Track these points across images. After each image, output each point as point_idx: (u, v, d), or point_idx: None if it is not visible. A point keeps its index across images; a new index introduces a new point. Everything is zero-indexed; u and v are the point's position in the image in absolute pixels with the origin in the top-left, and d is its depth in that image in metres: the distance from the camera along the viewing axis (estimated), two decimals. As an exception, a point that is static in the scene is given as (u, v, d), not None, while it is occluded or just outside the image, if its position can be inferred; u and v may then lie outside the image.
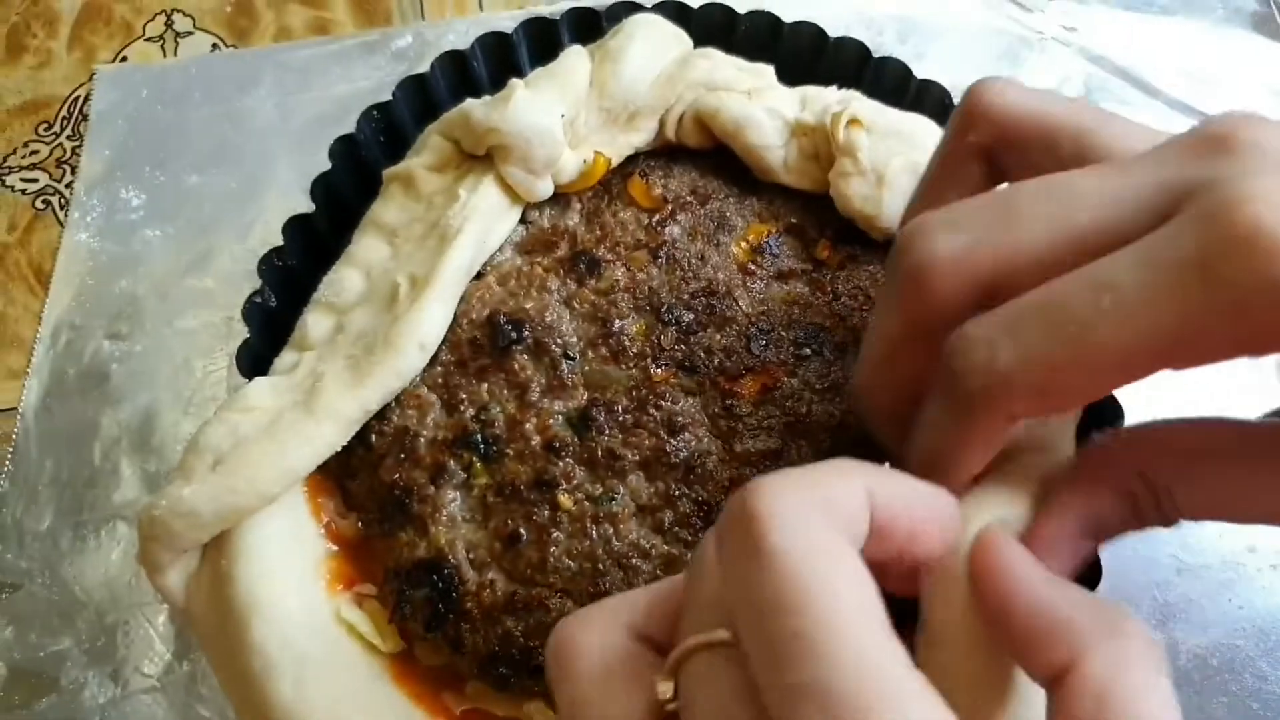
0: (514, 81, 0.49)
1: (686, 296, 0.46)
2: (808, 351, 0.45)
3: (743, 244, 0.49)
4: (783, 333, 0.46)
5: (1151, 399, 0.41)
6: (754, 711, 0.24)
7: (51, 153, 0.75)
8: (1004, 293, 0.29)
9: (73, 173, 0.73)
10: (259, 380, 0.46)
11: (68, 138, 0.75)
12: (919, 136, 0.50)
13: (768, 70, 0.54)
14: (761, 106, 0.51)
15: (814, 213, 0.50)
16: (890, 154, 0.48)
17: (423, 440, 0.45)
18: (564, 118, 0.49)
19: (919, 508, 0.28)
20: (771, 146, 0.50)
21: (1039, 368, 0.28)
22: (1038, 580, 0.27)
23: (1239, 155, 0.28)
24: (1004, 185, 0.34)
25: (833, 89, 0.53)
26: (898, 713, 0.21)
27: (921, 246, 0.31)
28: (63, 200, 0.72)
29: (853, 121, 0.49)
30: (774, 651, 0.23)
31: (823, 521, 0.25)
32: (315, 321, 0.48)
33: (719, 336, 0.46)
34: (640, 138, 0.51)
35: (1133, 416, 0.46)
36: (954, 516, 0.30)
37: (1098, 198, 0.29)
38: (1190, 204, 0.27)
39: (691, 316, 0.46)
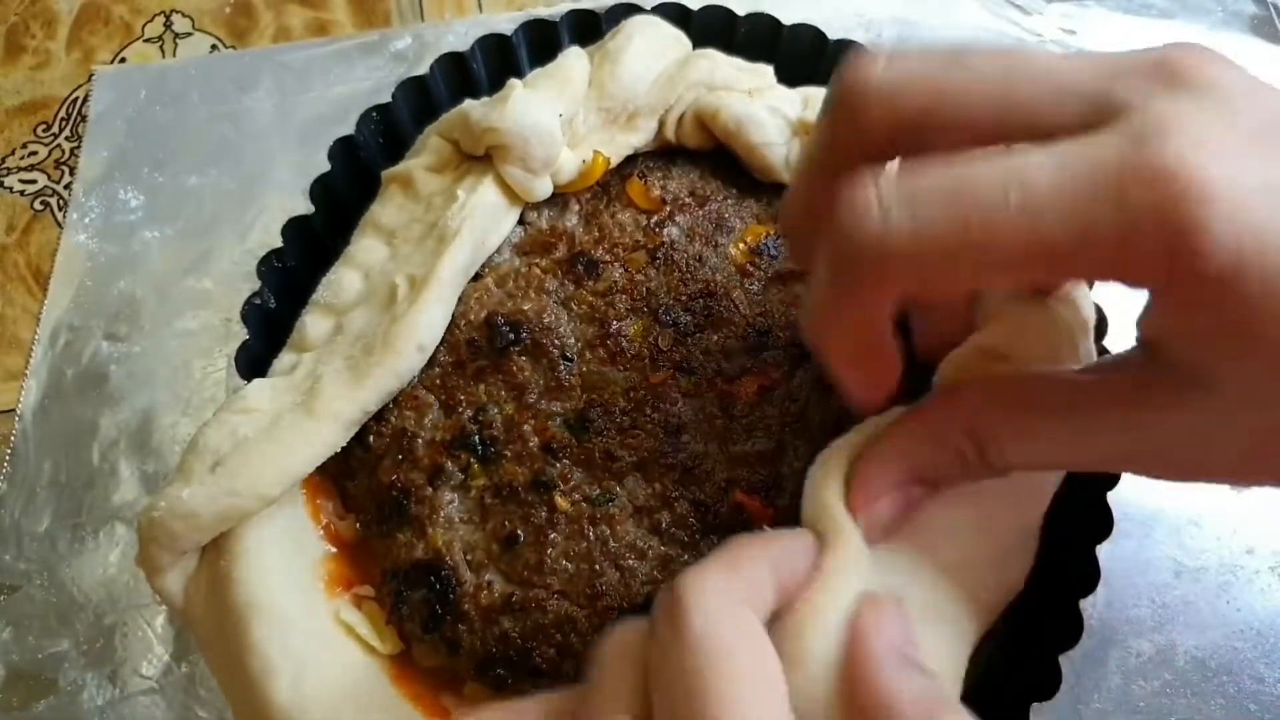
0: (512, 81, 0.49)
1: (685, 298, 0.46)
2: (805, 352, 0.45)
3: (741, 245, 0.49)
4: (780, 334, 0.46)
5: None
6: None
7: (50, 154, 0.74)
8: (927, 138, 0.29)
9: (71, 174, 0.73)
10: (258, 381, 0.46)
11: (66, 139, 0.75)
12: None
13: (767, 70, 0.54)
14: (763, 105, 0.51)
15: (812, 214, 0.50)
16: None
17: (421, 441, 0.45)
18: (562, 117, 0.49)
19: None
20: (773, 144, 0.50)
21: (929, 248, 0.27)
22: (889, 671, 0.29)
23: (1189, 89, 0.27)
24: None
25: (831, 91, 0.53)
26: None
27: (862, 70, 0.30)
28: (61, 201, 0.72)
29: None
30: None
31: (740, 605, 0.28)
32: (314, 322, 0.48)
33: (717, 338, 0.46)
34: (639, 138, 0.51)
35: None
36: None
37: (1044, 79, 0.29)
38: (1124, 121, 0.27)
39: (689, 318, 0.46)
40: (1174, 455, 0.31)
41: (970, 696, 0.35)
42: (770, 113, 0.50)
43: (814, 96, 0.52)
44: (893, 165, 0.29)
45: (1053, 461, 0.33)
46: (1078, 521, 0.43)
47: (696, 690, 0.26)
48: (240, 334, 0.51)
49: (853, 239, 0.28)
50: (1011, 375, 0.34)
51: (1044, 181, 0.26)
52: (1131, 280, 0.27)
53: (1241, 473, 0.31)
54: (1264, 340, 0.26)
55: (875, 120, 0.30)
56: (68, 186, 0.73)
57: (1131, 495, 0.48)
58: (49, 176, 0.73)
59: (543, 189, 0.49)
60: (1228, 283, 0.25)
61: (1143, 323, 0.31)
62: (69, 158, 0.74)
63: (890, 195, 0.28)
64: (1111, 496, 0.44)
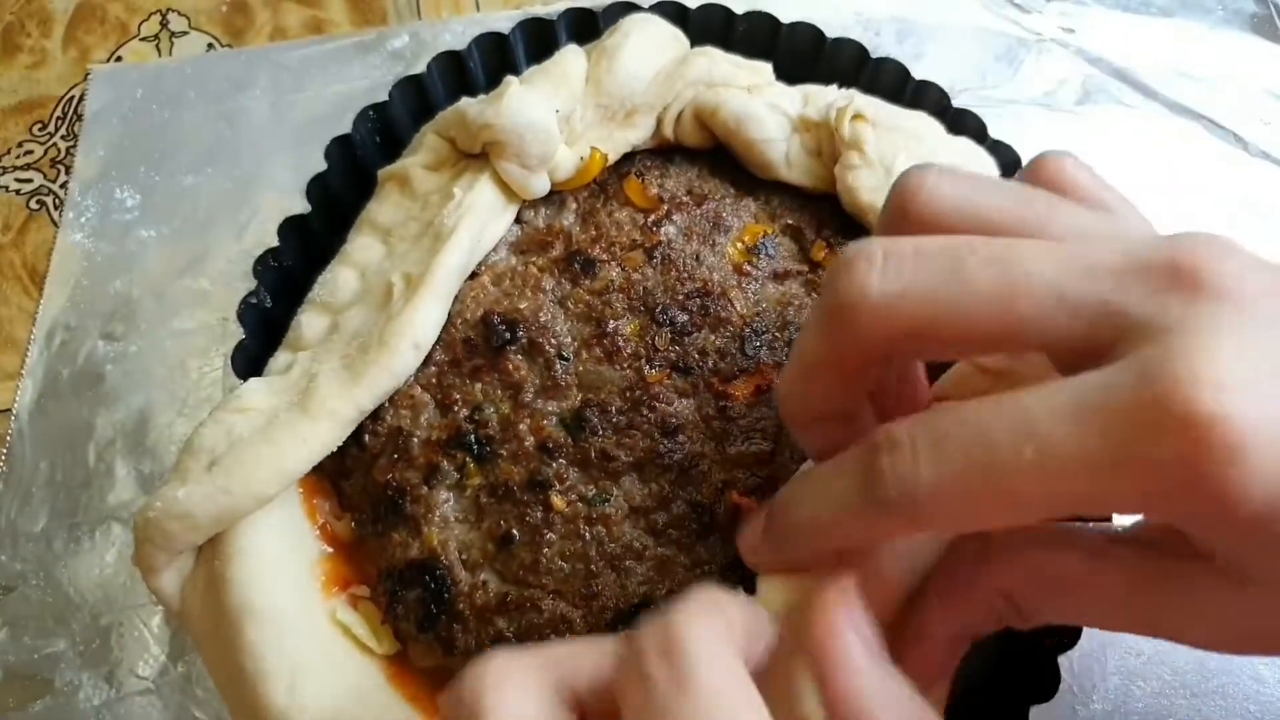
0: (508, 78, 0.49)
1: (681, 297, 0.46)
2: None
3: (738, 245, 0.49)
4: (777, 334, 0.46)
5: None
6: None
7: (46, 153, 0.74)
8: (925, 345, 0.29)
9: (67, 173, 0.73)
10: (254, 381, 0.46)
11: (62, 138, 0.75)
12: (922, 133, 0.50)
13: (766, 68, 0.54)
14: (763, 101, 0.51)
15: (810, 214, 0.50)
16: (896, 148, 0.48)
17: (416, 440, 0.44)
18: (559, 113, 0.48)
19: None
20: (773, 140, 0.50)
21: (955, 496, 0.27)
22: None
23: (1198, 299, 0.25)
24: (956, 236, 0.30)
25: (833, 88, 0.53)
26: None
27: (856, 280, 0.29)
28: (57, 200, 0.72)
29: (857, 116, 0.49)
30: None
31: (738, 660, 0.28)
32: (310, 321, 0.48)
33: (713, 338, 0.45)
34: (637, 134, 0.51)
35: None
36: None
37: (1045, 290, 0.27)
38: (1135, 346, 0.25)
39: (686, 317, 0.46)
40: (1207, 632, 0.30)
41: (968, 698, 0.35)
42: (770, 109, 0.50)
43: (814, 93, 0.52)
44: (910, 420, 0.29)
45: (1089, 624, 0.34)
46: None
47: None
48: (236, 333, 0.51)
49: (887, 483, 0.28)
50: (1042, 541, 0.32)
51: (1059, 435, 0.25)
52: (1158, 519, 0.27)
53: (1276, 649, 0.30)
54: None
55: (871, 334, 0.29)
56: (64, 185, 0.72)
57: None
58: (45, 175, 0.73)
59: (540, 186, 0.49)
60: (1263, 522, 0.24)
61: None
62: (65, 157, 0.74)
63: (918, 439, 0.27)
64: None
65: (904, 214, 0.30)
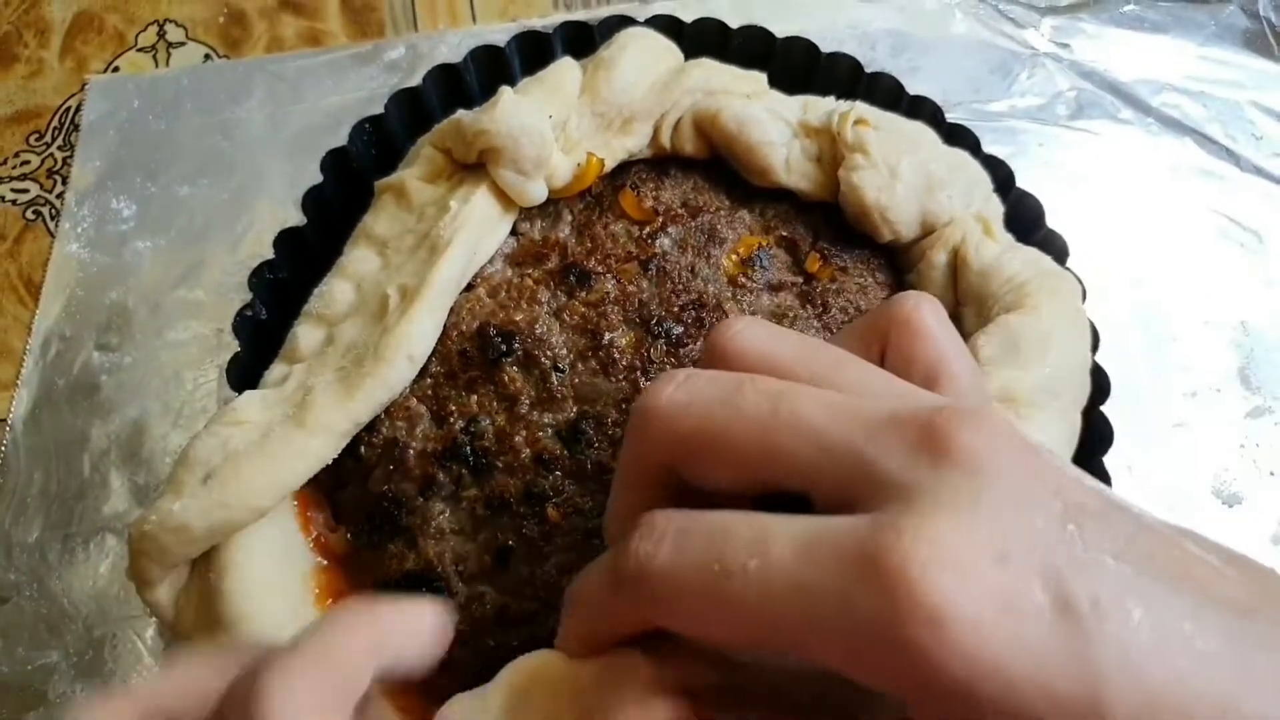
0: (503, 88, 0.49)
1: (676, 309, 0.46)
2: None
3: (733, 256, 0.49)
4: (773, 346, 0.46)
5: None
6: None
7: (43, 163, 0.74)
8: (699, 460, 0.30)
9: (64, 183, 0.73)
10: (249, 393, 0.46)
11: (59, 148, 0.75)
12: (921, 140, 0.51)
13: (762, 77, 0.54)
14: (763, 106, 0.51)
15: (805, 225, 0.50)
16: (899, 151, 0.49)
17: (412, 452, 0.44)
18: (552, 119, 0.49)
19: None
20: (775, 144, 0.50)
21: (681, 589, 0.27)
22: None
23: (944, 466, 0.26)
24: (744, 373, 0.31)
25: (830, 99, 0.53)
26: None
27: (657, 392, 0.31)
28: (53, 211, 0.72)
29: (860, 121, 0.49)
30: None
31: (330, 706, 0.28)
32: (305, 333, 0.48)
33: (709, 350, 0.46)
34: (634, 142, 0.51)
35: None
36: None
37: (806, 429, 0.28)
38: (871, 503, 0.26)
39: (681, 330, 0.46)
40: None
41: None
42: (771, 114, 0.51)
43: (812, 102, 0.52)
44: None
45: None
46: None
47: None
48: (231, 345, 0.51)
49: (627, 558, 0.28)
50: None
51: (784, 559, 0.26)
52: (864, 680, 0.25)
53: None
54: None
55: (658, 440, 0.30)
56: (60, 196, 0.72)
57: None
58: (41, 186, 0.73)
59: (536, 192, 0.49)
60: (961, 697, 0.24)
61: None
62: (61, 167, 0.74)
63: (669, 528, 0.28)
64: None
65: (716, 350, 0.32)
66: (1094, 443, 0.47)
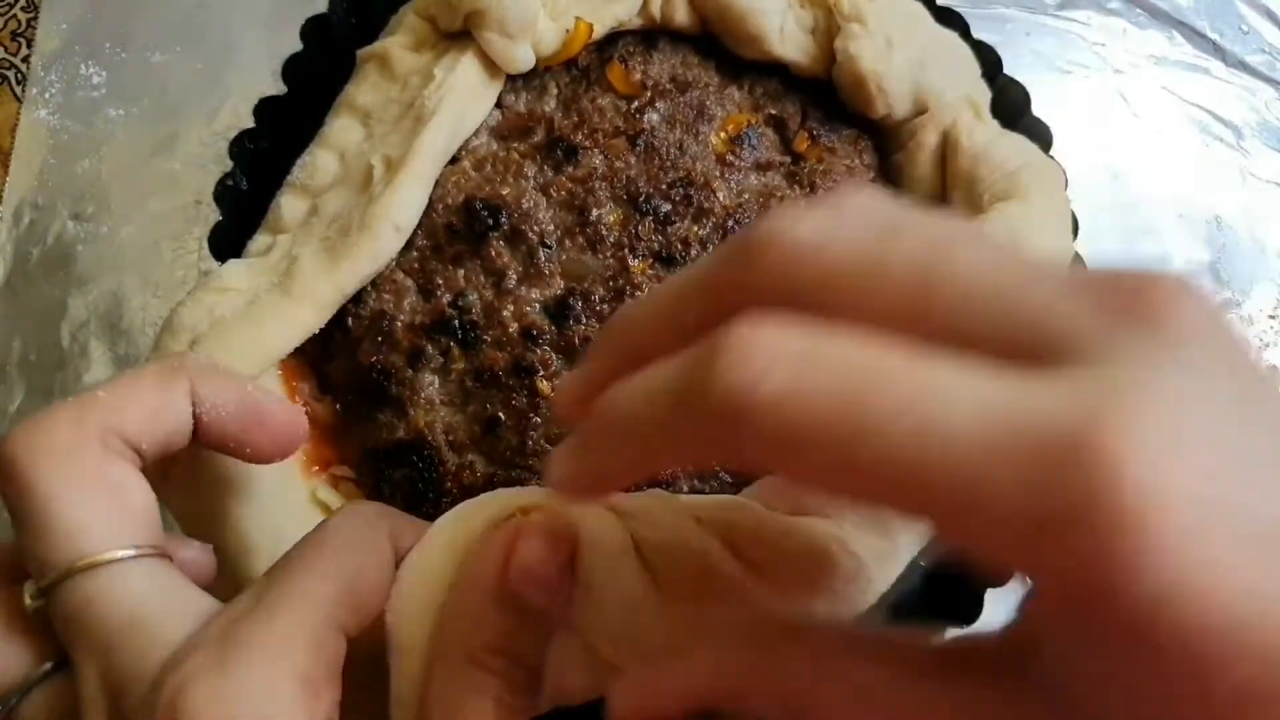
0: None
1: (664, 186, 0.46)
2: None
3: (721, 134, 0.49)
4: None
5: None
6: None
7: (5, 24, 0.72)
8: (839, 306, 0.23)
9: (29, 46, 0.71)
10: (234, 262, 0.46)
11: (22, 9, 0.72)
12: (915, 14, 0.51)
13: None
14: None
15: (794, 103, 0.50)
16: (895, 24, 0.49)
17: (400, 324, 0.45)
18: None
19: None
20: (768, 11, 0.50)
21: (792, 420, 0.21)
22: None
23: (1159, 338, 0.21)
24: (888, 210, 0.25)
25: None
26: None
27: (782, 219, 0.24)
28: (19, 75, 0.70)
29: None
30: None
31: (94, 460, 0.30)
32: (289, 204, 0.48)
33: (696, 228, 0.46)
34: (623, 9, 0.50)
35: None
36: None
37: (983, 278, 0.23)
38: (1070, 370, 0.21)
39: (669, 207, 0.46)
40: None
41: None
42: (765, -20, 0.50)
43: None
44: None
45: None
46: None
47: None
48: (209, 216, 0.50)
49: (718, 378, 0.22)
50: (860, 648, 0.26)
51: (952, 425, 0.20)
52: (1017, 566, 0.22)
53: None
54: (1154, 701, 0.20)
55: (772, 272, 0.24)
56: (25, 60, 0.70)
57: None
58: (5, 49, 0.71)
59: (524, 57, 0.48)
60: (1138, 629, 0.19)
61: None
62: (25, 29, 0.71)
63: (782, 347, 0.22)
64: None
65: (754, 246, 0.25)
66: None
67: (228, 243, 0.49)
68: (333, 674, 0.29)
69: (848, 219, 0.24)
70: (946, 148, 0.49)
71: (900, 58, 0.48)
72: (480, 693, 0.29)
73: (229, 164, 0.51)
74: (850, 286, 0.23)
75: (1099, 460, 0.19)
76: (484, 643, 0.30)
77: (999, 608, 0.42)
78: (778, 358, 0.22)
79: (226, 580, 0.42)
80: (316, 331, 0.44)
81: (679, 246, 0.45)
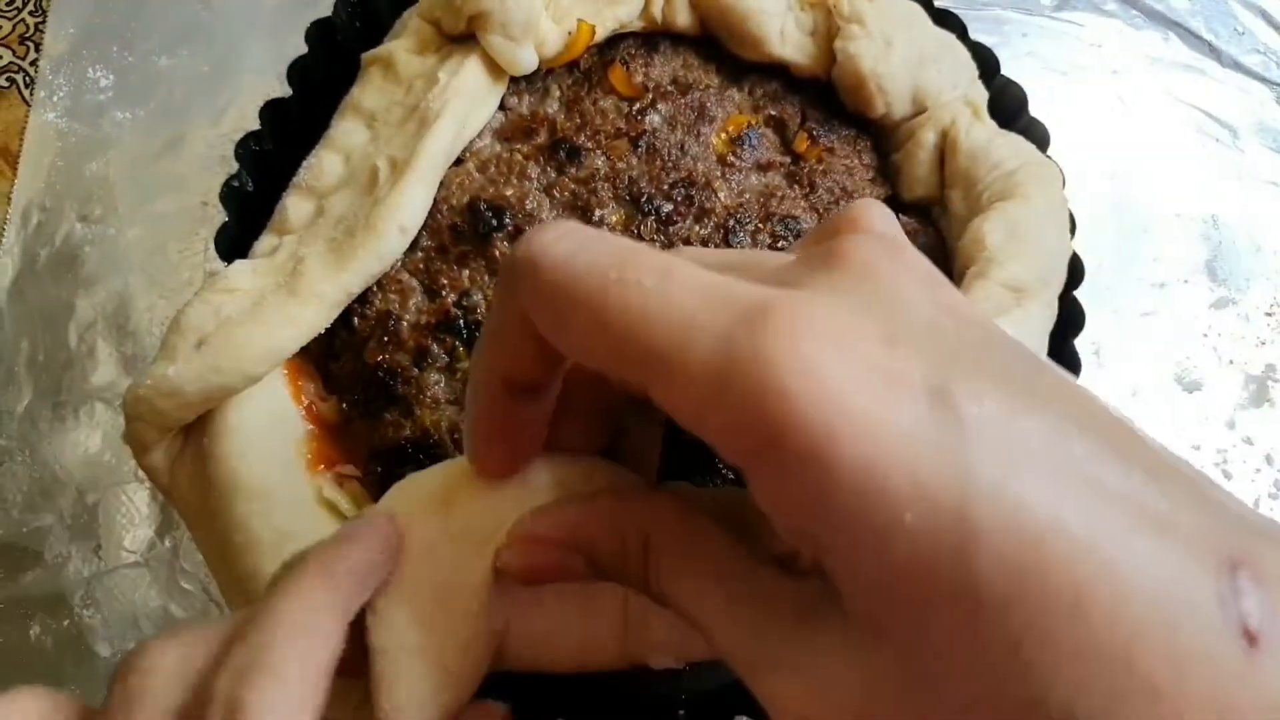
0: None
1: (666, 187, 0.47)
2: (783, 244, 0.46)
3: (722, 135, 0.49)
4: (759, 224, 0.47)
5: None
6: None
7: (14, 28, 0.72)
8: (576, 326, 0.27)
9: (37, 50, 0.71)
10: (240, 262, 0.46)
11: (30, 13, 0.73)
12: (914, 18, 0.51)
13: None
14: None
15: (794, 104, 0.51)
16: (894, 25, 0.50)
17: (405, 324, 0.45)
18: None
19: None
20: (770, 13, 0.50)
21: (565, 283, 0.25)
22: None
23: (846, 271, 0.26)
24: None
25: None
26: None
27: (533, 237, 0.27)
28: (27, 79, 0.70)
29: None
30: None
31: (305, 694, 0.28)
32: (295, 205, 0.48)
33: (698, 227, 0.46)
34: (625, 11, 0.51)
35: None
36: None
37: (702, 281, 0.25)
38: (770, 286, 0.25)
39: (671, 207, 0.47)
40: (819, 694, 0.25)
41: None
42: (766, -18, 0.51)
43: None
44: None
45: (696, 622, 0.29)
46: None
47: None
48: (216, 218, 0.51)
49: (523, 243, 0.27)
50: (708, 513, 0.30)
51: (682, 286, 0.24)
52: (708, 433, 0.24)
53: None
54: (854, 536, 0.23)
55: (528, 293, 0.27)
56: (34, 63, 0.71)
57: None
58: (14, 53, 0.71)
59: (527, 59, 0.49)
60: (812, 461, 0.22)
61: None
62: (34, 33, 0.72)
63: (575, 230, 0.27)
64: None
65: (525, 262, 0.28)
66: (1066, 326, 0.48)
67: (234, 244, 0.50)
68: None
69: (585, 236, 0.27)
70: (945, 147, 0.49)
71: (899, 57, 0.49)
72: None
73: (234, 166, 0.52)
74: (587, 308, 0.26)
75: (769, 322, 0.23)
76: None
77: None
78: (569, 233, 0.27)
79: (234, 577, 0.42)
80: (322, 331, 0.45)
81: (681, 246, 0.46)
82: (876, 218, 0.28)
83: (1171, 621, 0.21)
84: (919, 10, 0.52)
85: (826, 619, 0.25)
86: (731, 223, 0.46)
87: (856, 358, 0.23)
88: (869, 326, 0.24)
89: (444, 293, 0.46)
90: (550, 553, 0.31)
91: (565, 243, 0.26)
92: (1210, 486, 0.24)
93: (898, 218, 0.48)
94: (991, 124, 0.51)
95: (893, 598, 0.23)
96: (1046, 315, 0.47)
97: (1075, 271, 0.49)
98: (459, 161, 0.49)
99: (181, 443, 0.45)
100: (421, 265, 0.46)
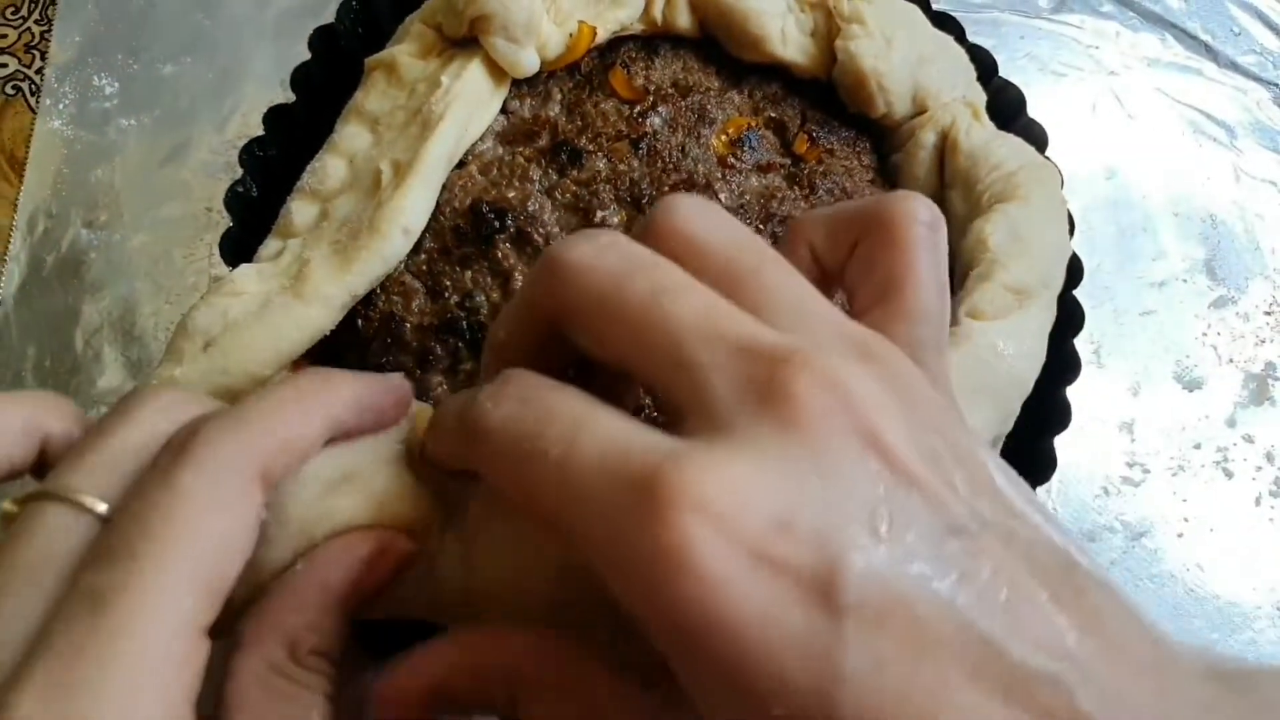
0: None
1: (667, 189, 0.47)
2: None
3: (722, 137, 0.50)
4: (760, 226, 0.47)
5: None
6: None
7: (20, 37, 0.73)
8: (586, 330, 0.28)
9: (42, 58, 0.72)
10: (245, 266, 0.46)
11: (35, 22, 0.73)
12: (913, 18, 0.52)
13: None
14: None
15: (794, 106, 0.51)
16: (894, 24, 0.50)
17: (409, 326, 0.46)
18: None
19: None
20: (770, 13, 0.51)
21: (495, 453, 0.26)
22: None
23: (766, 416, 0.24)
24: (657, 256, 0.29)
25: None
26: None
27: (570, 243, 0.29)
28: (33, 86, 0.71)
29: None
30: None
31: (244, 481, 0.27)
32: (299, 209, 0.49)
33: (698, 228, 0.47)
34: (626, 13, 0.51)
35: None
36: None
37: (673, 331, 0.26)
38: (686, 436, 0.24)
39: (672, 208, 0.47)
40: None
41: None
42: (766, -17, 0.51)
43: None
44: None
45: None
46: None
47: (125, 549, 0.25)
48: (220, 223, 0.51)
49: (472, 404, 0.28)
50: (568, 645, 0.29)
51: (581, 460, 0.24)
52: (622, 602, 0.24)
53: None
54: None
55: (548, 292, 0.29)
56: (39, 71, 0.72)
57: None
58: (20, 61, 0.72)
59: (529, 61, 0.49)
60: (691, 645, 0.22)
61: None
62: (39, 41, 0.73)
63: (513, 392, 0.27)
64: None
65: (651, 224, 0.30)
66: (1066, 326, 0.48)
67: (238, 249, 0.50)
68: (194, 690, 0.25)
69: (613, 251, 0.28)
70: (945, 148, 0.50)
71: (899, 57, 0.50)
72: (312, 690, 0.28)
73: (239, 172, 0.52)
74: (589, 317, 0.28)
75: (655, 498, 0.22)
76: (314, 648, 0.28)
77: None
78: (514, 389, 0.27)
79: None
80: (327, 333, 0.45)
81: (617, 233, 0.46)
82: (923, 209, 0.29)
83: None
84: (918, 12, 0.52)
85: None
86: (732, 223, 0.47)
87: (740, 542, 0.22)
88: (768, 502, 0.23)
89: (447, 294, 0.46)
90: (413, 712, 0.29)
91: (505, 405, 0.27)
92: (1118, 656, 0.23)
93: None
94: (990, 125, 0.51)
95: None
96: (1047, 316, 0.47)
97: (1074, 271, 0.50)
98: (461, 164, 0.49)
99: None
100: (425, 267, 0.47)
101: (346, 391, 0.31)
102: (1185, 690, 0.23)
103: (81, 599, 0.24)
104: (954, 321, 0.44)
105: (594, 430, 0.25)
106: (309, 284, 0.44)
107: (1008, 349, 0.44)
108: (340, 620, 0.29)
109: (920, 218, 0.30)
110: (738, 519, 0.22)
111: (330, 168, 0.49)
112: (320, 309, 0.44)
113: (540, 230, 0.46)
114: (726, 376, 0.25)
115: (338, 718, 0.29)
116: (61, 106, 0.70)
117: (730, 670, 0.22)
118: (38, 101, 0.70)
